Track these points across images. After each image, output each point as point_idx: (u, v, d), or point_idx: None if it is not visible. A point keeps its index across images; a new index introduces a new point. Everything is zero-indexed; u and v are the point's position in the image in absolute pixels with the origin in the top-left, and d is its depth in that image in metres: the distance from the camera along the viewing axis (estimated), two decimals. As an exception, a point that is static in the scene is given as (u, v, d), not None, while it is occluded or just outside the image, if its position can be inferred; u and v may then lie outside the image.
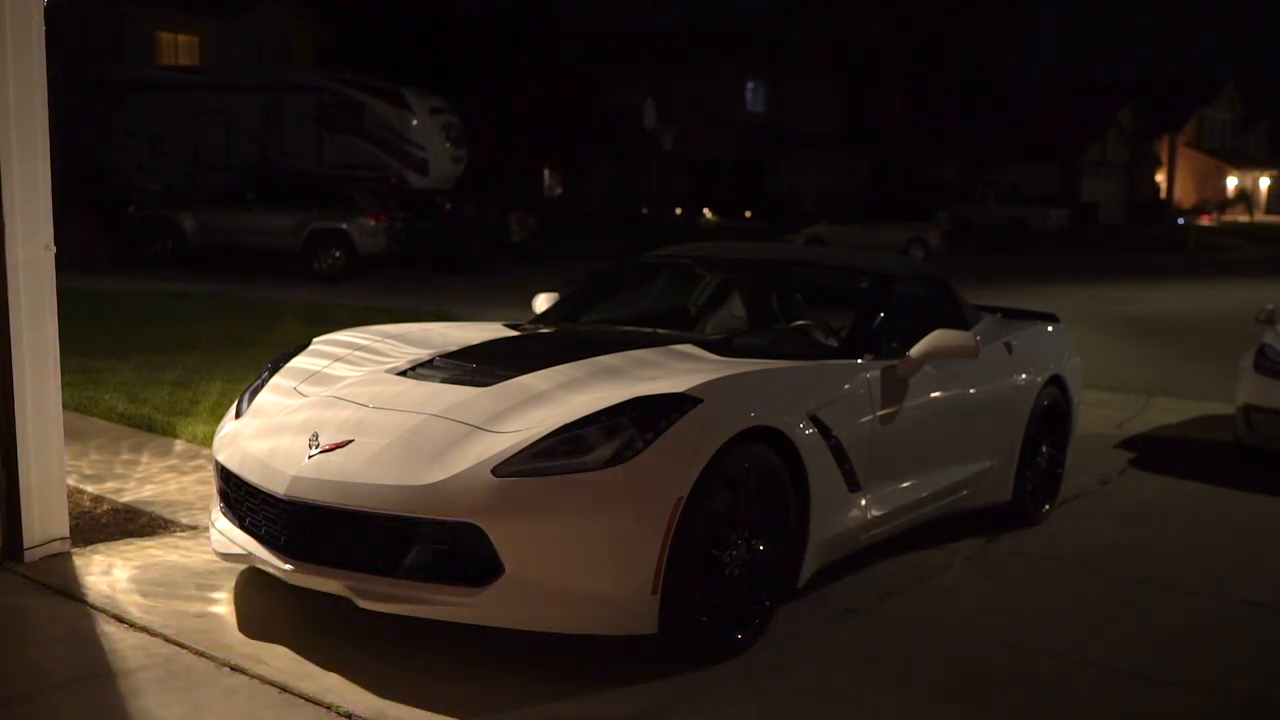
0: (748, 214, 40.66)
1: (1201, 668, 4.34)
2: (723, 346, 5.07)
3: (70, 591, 4.41)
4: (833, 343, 5.36)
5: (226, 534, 4.33)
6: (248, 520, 4.26)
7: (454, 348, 4.96)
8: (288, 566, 3.99)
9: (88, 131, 23.38)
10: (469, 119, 26.26)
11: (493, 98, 33.23)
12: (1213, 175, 61.76)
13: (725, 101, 46.38)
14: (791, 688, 3.95)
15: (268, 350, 9.25)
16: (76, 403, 7.50)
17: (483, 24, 35.52)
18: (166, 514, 5.44)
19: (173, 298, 14.87)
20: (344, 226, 19.16)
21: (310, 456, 4.03)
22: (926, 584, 5.10)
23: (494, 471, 3.81)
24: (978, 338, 5.37)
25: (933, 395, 5.26)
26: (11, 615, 4.23)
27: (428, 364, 4.70)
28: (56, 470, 4.79)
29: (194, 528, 5.24)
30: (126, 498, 5.68)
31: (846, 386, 4.78)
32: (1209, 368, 12.11)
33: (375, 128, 23.43)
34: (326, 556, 3.94)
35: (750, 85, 48.21)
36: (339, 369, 4.76)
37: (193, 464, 6.38)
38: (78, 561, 4.73)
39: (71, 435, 5.85)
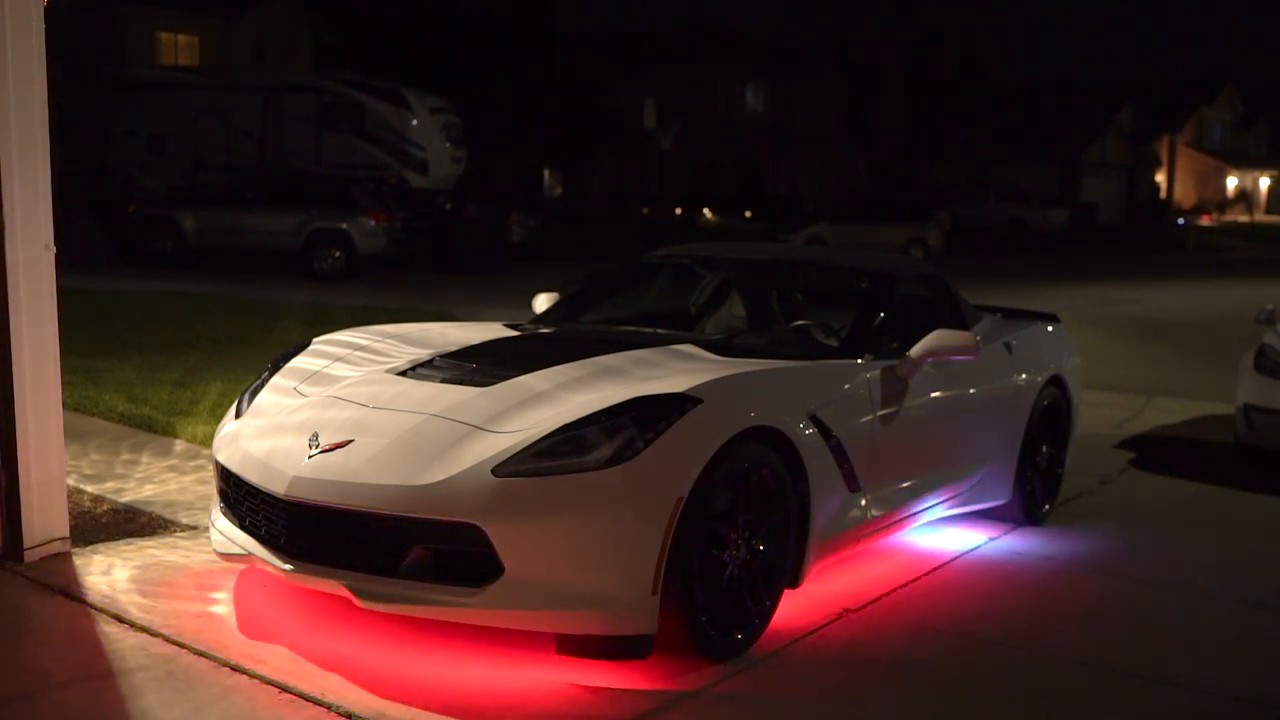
0: (748, 214, 40.64)
1: (1201, 668, 4.34)
2: (723, 346, 5.07)
3: (70, 591, 4.41)
4: (833, 343, 5.36)
5: (226, 534, 4.34)
6: (248, 520, 4.26)
7: (454, 348, 4.96)
8: (288, 566, 3.99)
9: (88, 131, 23.37)
10: (469, 119, 26.24)
11: (493, 98, 33.22)
12: (1213, 175, 61.73)
13: (725, 101, 46.38)
14: (791, 688, 3.95)
15: (268, 350, 9.26)
16: (76, 403, 7.50)
17: (483, 24, 35.50)
18: (166, 514, 5.45)
19: (173, 298, 14.88)
20: (344, 226, 19.16)
21: (310, 456, 4.03)
22: (926, 584, 5.10)
23: (494, 471, 3.81)
24: (978, 338, 5.37)
25: (933, 395, 5.26)
26: (11, 615, 4.23)
27: (428, 364, 4.70)
28: (56, 470, 4.79)
29: (194, 528, 5.25)
30: (126, 498, 5.69)
31: (846, 386, 4.78)
32: (1209, 368, 12.11)
33: (375, 128, 23.40)
34: (326, 556, 3.94)
35: (750, 85, 48.20)
36: (339, 369, 4.76)
37: (193, 464, 6.38)
38: (78, 561, 4.73)
39: (71, 435, 5.85)
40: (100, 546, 4.93)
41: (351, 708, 3.58)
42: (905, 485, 5.11)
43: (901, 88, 47.52)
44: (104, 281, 15.92)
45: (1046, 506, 6.26)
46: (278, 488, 4.01)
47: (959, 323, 5.73)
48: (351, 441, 4.04)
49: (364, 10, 35.21)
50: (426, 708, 3.61)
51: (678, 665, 3.98)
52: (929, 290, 6.00)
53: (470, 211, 22.13)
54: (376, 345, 5.03)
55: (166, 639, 4.02)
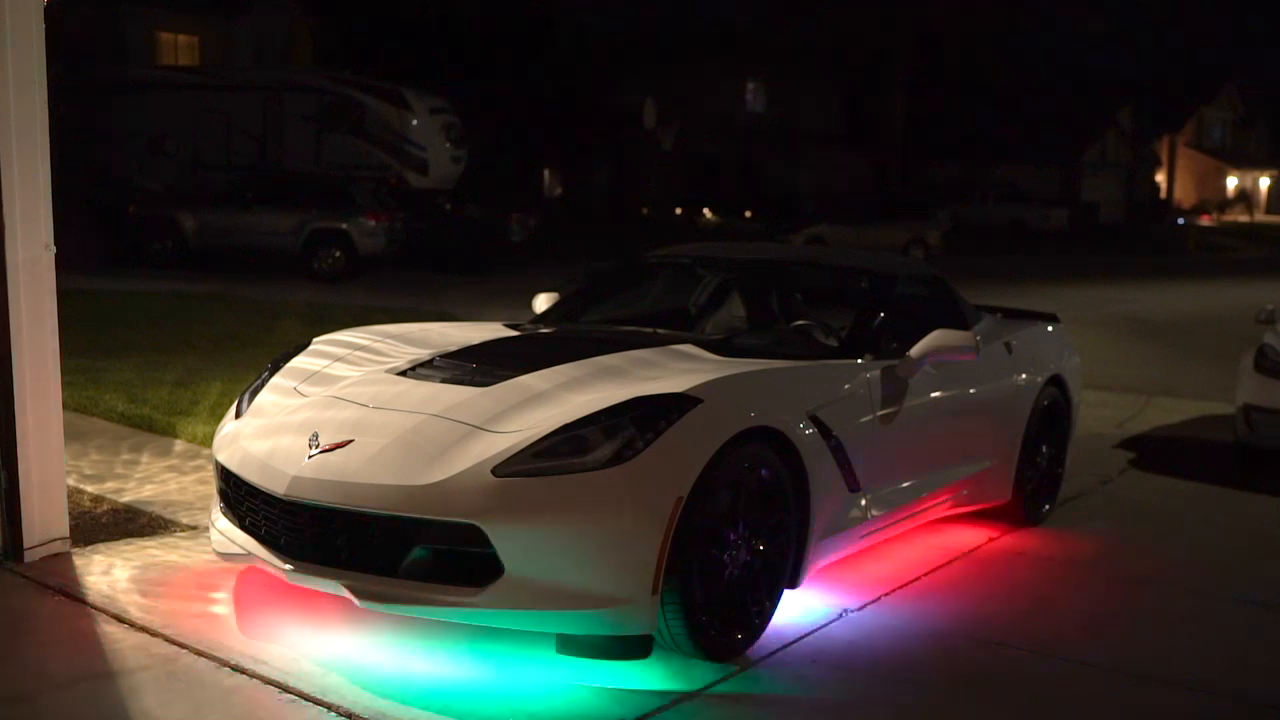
0: (748, 214, 40.61)
1: (1201, 668, 4.34)
2: (723, 346, 5.07)
3: (70, 591, 4.41)
4: (833, 343, 5.36)
5: (226, 534, 4.34)
6: (248, 520, 4.26)
7: (454, 348, 4.96)
8: (288, 566, 3.99)
9: (88, 131, 23.36)
10: (469, 119, 26.24)
11: (493, 98, 33.21)
12: (1213, 175, 61.72)
13: (725, 101, 46.35)
14: (791, 688, 3.95)
15: (268, 350, 9.25)
16: (76, 403, 7.50)
17: (483, 24, 35.50)
18: (166, 514, 5.45)
19: (173, 298, 14.88)
20: (344, 226, 19.15)
21: (310, 456, 4.03)
22: (926, 584, 5.10)
23: (494, 471, 3.81)
24: (978, 338, 5.37)
25: (933, 395, 5.26)
26: (11, 615, 4.23)
27: (428, 364, 4.70)
28: (56, 470, 4.79)
29: (194, 528, 5.25)
30: (126, 498, 5.69)
31: (846, 386, 4.78)
32: (1209, 368, 12.11)
33: (375, 128, 23.41)
34: (326, 556, 3.95)
35: (750, 85, 48.17)
36: (339, 369, 4.76)
37: (193, 464, 6.38)
38: (78, 561, 4.73)
39: (71, 435, 5.85)
40: (100, 546, 4.93)
41: (351, 708, 3.58)
42: (905, 485, 5.11)
43: (902, 88, 47.47)
44: (104, 281, 15.92)
45: (1046, 506, 6.26)
46: (278, 488, 4.01)
47: (959, 323, 5.73)
48: (351, 441, 4.04)
49: (364, 10, 35.20)
50: (426, 708, 3.62)
51: (678, 665, 3.98)
52: (929, 290, 6.00)
53: (470, 211, 22.14)
54: (376, 345, 5.03)
55: (166, 639, 4.02)
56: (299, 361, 4.93)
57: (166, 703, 3.58)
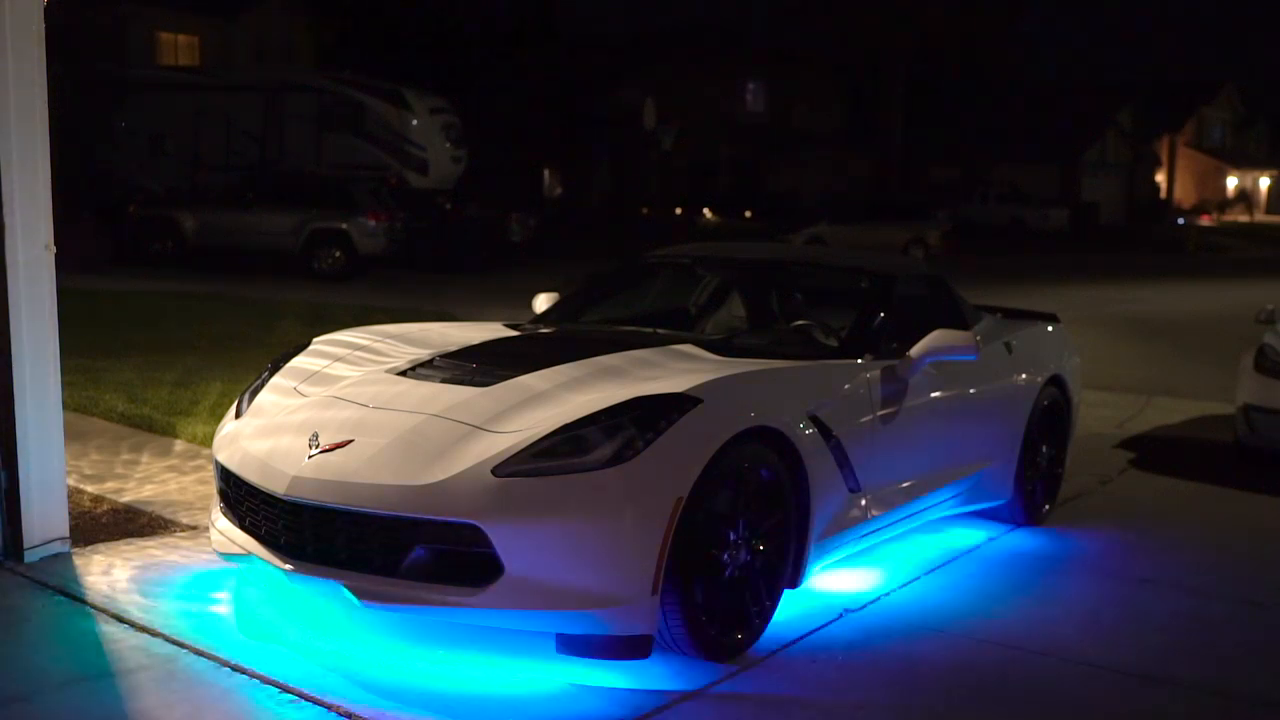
0: (748, 214, 40.63)
1: (1201, 668, 4.34)
2: (723, 346, 5.07)
3: (70, 591, 4.41)
4: (833, 343, 5.36)
5: (226, 534, 4.34)
6: (248, 520, 4.26)
7: (454, 348, 4.96)
8: (288, 566, 3.99)
9: (88, 131, 23.37)
10: (469, 119, 26.25)
11: (493, 98, 33.21)
12: (1213, 175, 61.74)
13: (725, 101, 46.36)
14: (791, 688, 3.95)
15: (268, 350, 9.26)
16: (76, 403, 7.50)
17: (483, 24, 35.50)
18: (166, 514, 5.45)
19: (173, 298, 14.88)
20: (344, 226, 19.16)
21: (310, 456, 4.03)
22: (926, 584, 5.10)
23: (494, 471, 3.81)
24: (978, 338, 5.37)
25: (933, 395, 5.26)
26: (11, 615, 4.23)
27: (428, 364, 4.70)
28: (56, 470, 4.79)
29: (194, 528, 5.25)
30: (126, 498, 5.69)
31: (846, 386, 4.78)
32: (1209, 368, 12.11)
33: (375, 128, 23.42)
34: (326, 556, 3.95)
35: (750, 85, 48.20)
36: (339, 369, 4.76)
37: (193, 464, 6.38)
38: (78, 561, 4.73)
39: (71, 435, 5.85)
40: (100, 546, 4.93)
41: (351, 708, 3.59)
42: (905, 485, 5.11)
43: (901, 87, 47.48)
44: (104, 281, 15.92)
45: (1046, 506, 6.26)
46: (277, 487, 4.01)
47: (959, 323, 5.73)
48: (351, 441, 4.04)
49: (364, 10, 35.21)
50: (426, 708, 3.62)
51: (678, 665, 3.98)
52: (929, 290, 6.00)
53: (470, 211, 22.15)
54: (376, 345, 5.03)
55: (166, 639, 4.02)
56: (299, 361, 4.93)
57: (166, 703, 3.58)
